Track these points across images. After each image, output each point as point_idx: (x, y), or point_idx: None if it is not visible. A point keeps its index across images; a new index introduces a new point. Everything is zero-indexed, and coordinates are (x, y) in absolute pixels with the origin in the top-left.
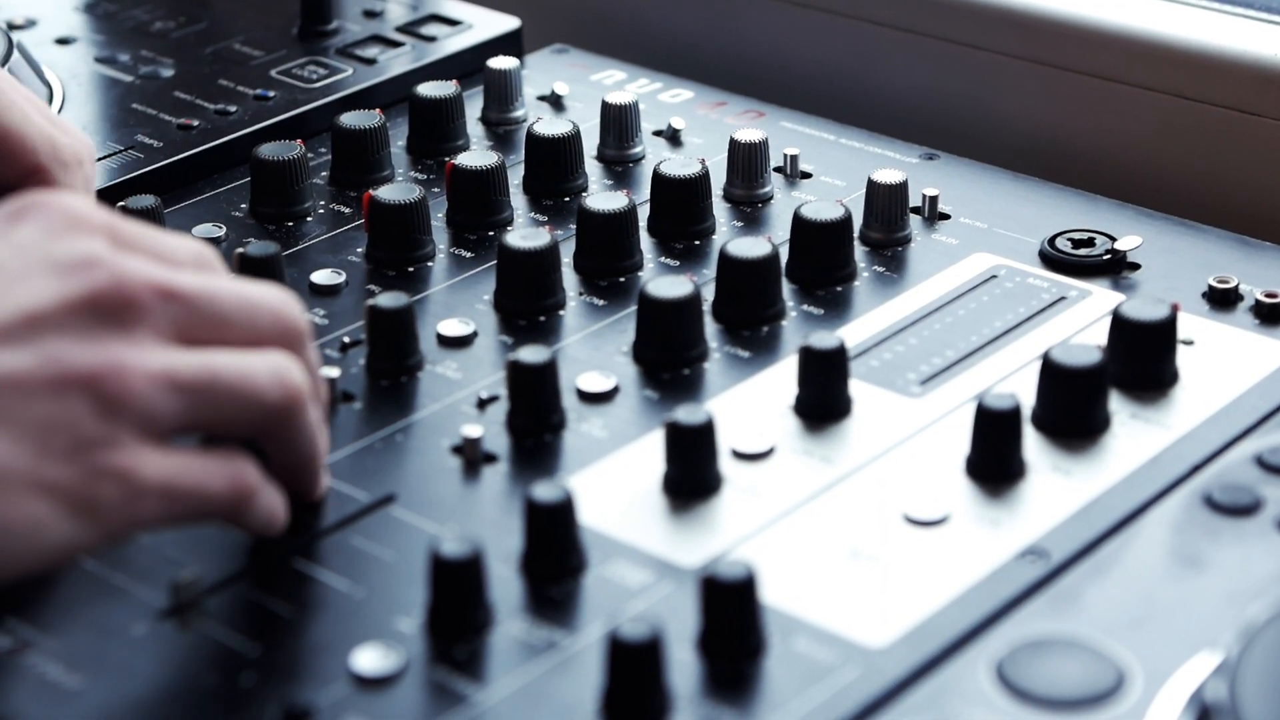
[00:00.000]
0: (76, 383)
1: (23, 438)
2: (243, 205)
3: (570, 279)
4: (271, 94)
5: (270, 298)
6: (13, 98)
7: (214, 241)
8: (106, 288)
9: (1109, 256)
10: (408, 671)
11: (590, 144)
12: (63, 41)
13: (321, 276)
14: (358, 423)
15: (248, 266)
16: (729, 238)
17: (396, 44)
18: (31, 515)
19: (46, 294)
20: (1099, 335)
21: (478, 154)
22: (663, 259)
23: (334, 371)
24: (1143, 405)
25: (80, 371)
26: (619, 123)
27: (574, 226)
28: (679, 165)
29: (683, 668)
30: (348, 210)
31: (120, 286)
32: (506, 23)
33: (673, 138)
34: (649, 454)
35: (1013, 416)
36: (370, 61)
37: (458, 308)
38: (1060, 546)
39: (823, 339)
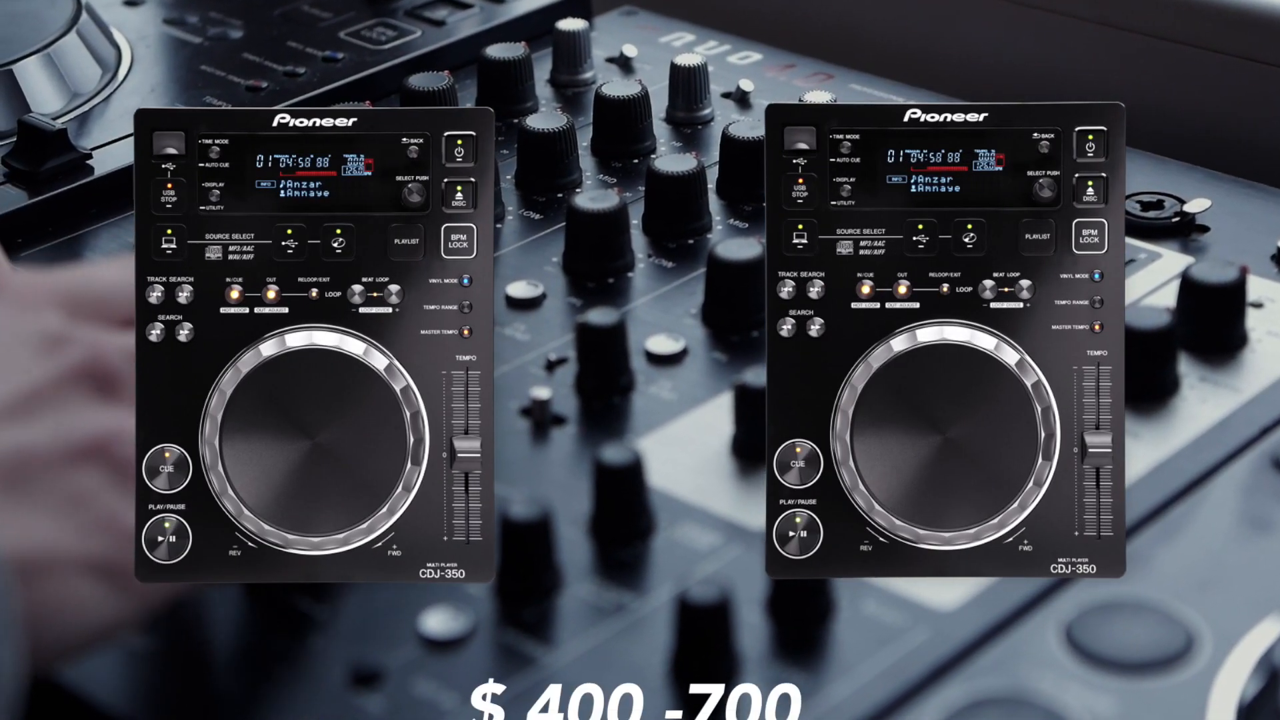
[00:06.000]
0: (87, 453)
1: (59, 515)
2: None
3: (639, 241)
4: (340, 56)
5: None
6: None
7: None
8: (87, 361)
9: (1178, 219)
10: (477, 634)
11: (659, 106)
12: (131, 3)
13: None
14: None
15: None
16: None
17: (465, 5)
18: (79, 595)
19: (38, 372)
20: (1168, 298)
21: (546, 116)
22: (731, 221)
23: None
24: (1211, 368)
25: (88, 442)
26: (688, 85)
27: (643, 188)
28: (747, 127)
29: (751, 630)
30: None
31: (99, 358)
32: None
33: (741, 100)
34: (718, 416)
35: None
36: (439, 23)
37: (526, 270)
38: (1129, 509)
39: None
